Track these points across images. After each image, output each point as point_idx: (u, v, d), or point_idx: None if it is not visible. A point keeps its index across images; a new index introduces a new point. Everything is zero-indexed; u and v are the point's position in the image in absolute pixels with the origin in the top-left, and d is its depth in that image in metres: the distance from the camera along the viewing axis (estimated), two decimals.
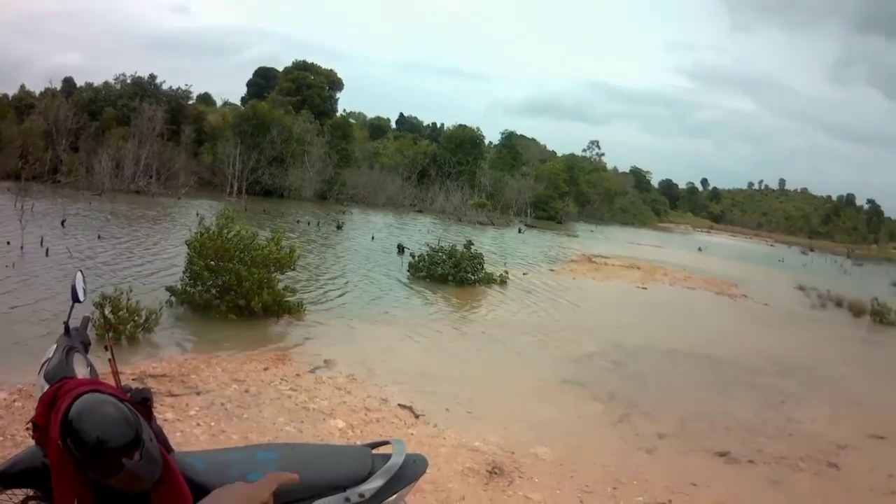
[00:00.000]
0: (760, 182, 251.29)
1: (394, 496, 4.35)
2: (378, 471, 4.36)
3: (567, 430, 11.34)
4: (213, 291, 18.29)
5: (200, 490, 3.85)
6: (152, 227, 38.17)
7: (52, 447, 3.78)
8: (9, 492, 4.41)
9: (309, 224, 48.67)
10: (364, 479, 4.29)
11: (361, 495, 4.22)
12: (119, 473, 3.50)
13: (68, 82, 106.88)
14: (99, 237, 30.87)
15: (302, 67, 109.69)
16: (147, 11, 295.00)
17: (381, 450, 4.59)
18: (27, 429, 4.23)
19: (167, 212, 47.52)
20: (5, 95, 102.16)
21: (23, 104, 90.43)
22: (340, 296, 23.14)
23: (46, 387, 4.09)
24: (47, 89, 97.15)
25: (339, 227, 48.40)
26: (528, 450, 9.97)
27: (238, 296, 17.78)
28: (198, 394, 11.04)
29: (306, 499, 4.12)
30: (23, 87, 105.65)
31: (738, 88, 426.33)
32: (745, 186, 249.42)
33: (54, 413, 3.78)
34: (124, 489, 3.66)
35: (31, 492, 4.44)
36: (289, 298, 18.83)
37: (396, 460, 4.42)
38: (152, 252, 28.23)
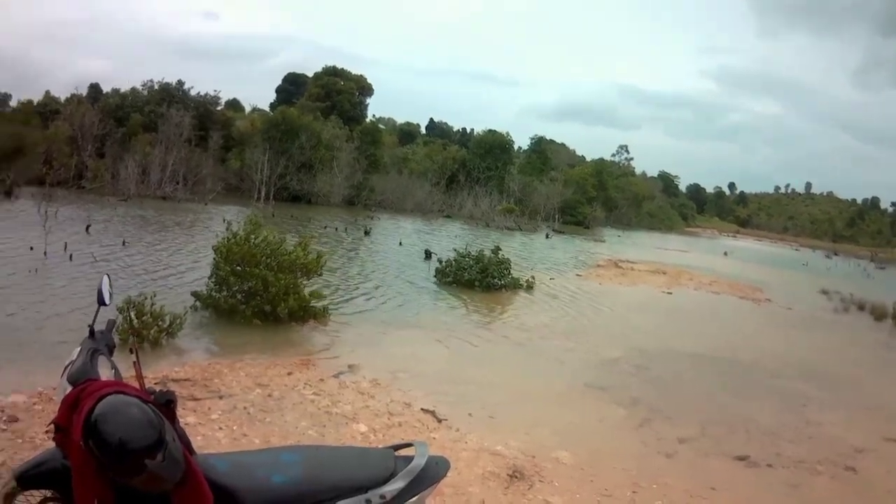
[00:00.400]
0: (787, 186, 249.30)
1: (415, 498, 4.36)
2: (400, 472, 4.36)
3: (588, 435, 11.36)
4: (239, 297, 18.22)
5: (223, 491, 4.04)
6: (178, 232, 38.30)
7: (73, 448, 3.84)
8: (28, 493, 4.52)
9: (336, 230, 48.70)
10: (386, 481, 4.30)
11: (382, 496, 4.23)
12: (141, 474, 3.57)
13: (95, 88, 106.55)
14: (124, 243, 30.96)
15: (331, 73, 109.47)
16: (176, 18, 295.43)
17: (405, 452, 4.61)
18: (47, 431, 4.17)
19: (194, 217, 47.60)
20: (30, 102, 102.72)
21: (48, 110, 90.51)
22: (366, 301, 23.25)
23: (69, 389, 4.15)
24: (73, 95, 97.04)
25: (366, 233, 48.34)
26: (550, 454, 9.97)
27: (264, 301, 17.74)
28: (220, 398, 11.13)
29: (328, 500, 4.16)
30: (48, 93, 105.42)
31: (765, 92, 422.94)
32: (771, 190, 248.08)
33: (77, 414, 3.84)
34: (146, 490, 3.73)
35: (49, 493, 4.51)
36: (314, 304, 18.74)
37: (418, 462, 4.43)
38: (178, 257, 28.40)
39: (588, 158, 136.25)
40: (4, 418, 9.27)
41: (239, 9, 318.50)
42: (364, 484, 4.27)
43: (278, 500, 4.14)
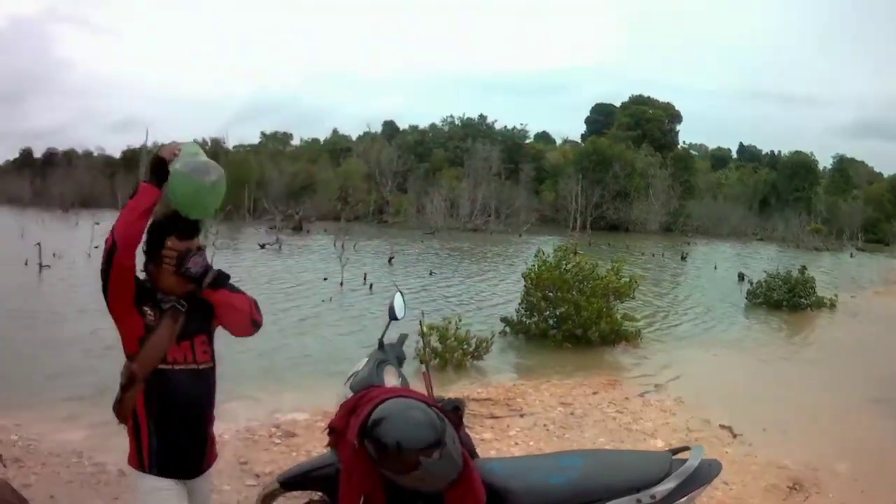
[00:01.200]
0: None
1: (685, 498, 4.48)
2: (673, 474, 4.49)
3: (869, 447, 11.38)
4: (550, 322, 19.12)
5: (499, 493, 4.43)
6: (490, 262, 39.97)
7: (346, 448, 4.33)
8: (290, 495, 5.27)
9: (654, 256, 50.03)
10: (659, 482, 4.44)
11: (653, 496, 4.38)
12: (415, 471, 3.96)
13: (389, 125, 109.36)
14: (431, 273, 32.22)
15: (639, 102, 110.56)
16: (472, 52, 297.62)
17: (683, 455, 4.76)
18: (327, 446, 4.88)
19: (507, 248, 49.00)
20: (315, 140, 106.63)
21: (337, 148, 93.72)
22: (679, 322, 24.26)
23: (350, 395, 4.68)
24: (366, 133, 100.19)
25: (683, 258, 49.61)
26: (830, 466, 10.12)
27: (575, 325, 18.53)
28: (521, 416, 11.80)
29: (602, 500, 4.40)
30: (335, 131, 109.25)
31: None
32: None
33: (355, 417, 4.29)
34: (419, 487, 4.13)
35: (316, 496, 5.16)
36: (626, 326, 19.18)
37: (691, 464, 4.53)
38: (489, 285, 29.64)
39: (885, 175, 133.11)
40: (279, 433, 10.49)
41: (539, 41, 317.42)
42: (637, 484, 4.44)
43: (554, 500, 4.45)
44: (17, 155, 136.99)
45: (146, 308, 4.28)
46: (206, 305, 4.45)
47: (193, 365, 4.39)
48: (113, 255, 4.08)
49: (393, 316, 5.62)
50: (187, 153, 4.24)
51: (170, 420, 4.31)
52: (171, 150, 4.21)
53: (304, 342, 18.22)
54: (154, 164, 4.22)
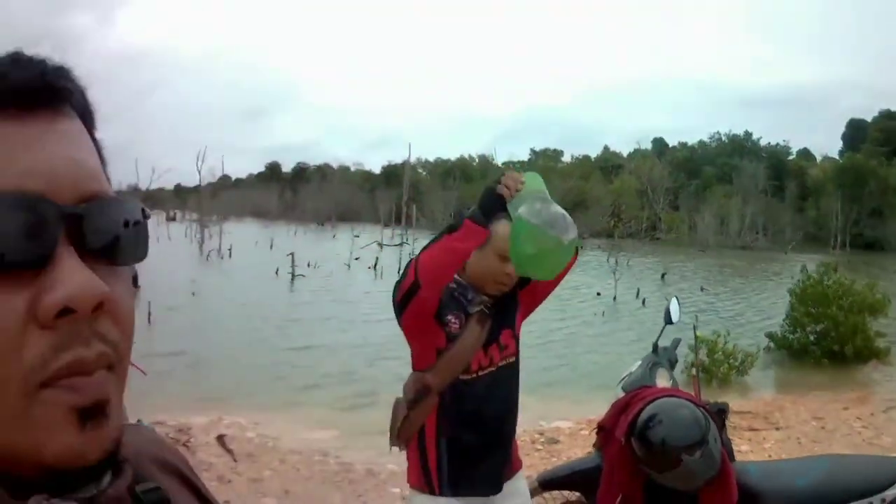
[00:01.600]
0: None
1: None
2: None
3: None
4: (811, 337, 18.93)
5: (750, 493, 4.41)
6: (757, 279, 40.06)
7: (612, 446, 4.36)
8: (547, 495, 5.22)
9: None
10: (891, 486, 4.35)
11: (883, 500, 4.30)
12: (675, 468, 3.99)
13: (658, 142, 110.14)
14: (701, 289, 32.69)
15: (888, 117, 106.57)
16: (728, 68, 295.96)
17: None
18: (594, 445, 4.90)
19: (772, 266, 48.99)
20: (586, 157, 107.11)
21: (609, 165, 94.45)
22: None
23: (622, 395, 4.69)
24: (636, 150, 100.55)
25: None
26: None
27: (833, 341, 18.25)
28: (777, 429, 11.82)
29: (842, 501, 4.35)
30: (606, 148, 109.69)
31: None
32: None
33: (625, 415, 4.28)
34: (677, 485, 4.15)
35: (573, 496, 5.19)
36: (878, 343, 18.83)
37: None
38: (756, 302, 30.07)
39: None
40: (542, 440, 10.75)
41: (792, 55, 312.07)
42: (872, 488, 4.36)
43: (798, 502, 4.46)
44: (262, 169, 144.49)
45: (449, 317, 3.81)
46: (510, 300, 4.04)
47: (501, 362, 3.94)
48: (415, 293, 3.64)
49: (668, 320, 5.56)
50: (533, 193, 3.37)
51: (468, 435, 3.86)
52: (512, 184, 3.35)
53: (580, 356, 19.03)
54: (486, 199, 3.47)
